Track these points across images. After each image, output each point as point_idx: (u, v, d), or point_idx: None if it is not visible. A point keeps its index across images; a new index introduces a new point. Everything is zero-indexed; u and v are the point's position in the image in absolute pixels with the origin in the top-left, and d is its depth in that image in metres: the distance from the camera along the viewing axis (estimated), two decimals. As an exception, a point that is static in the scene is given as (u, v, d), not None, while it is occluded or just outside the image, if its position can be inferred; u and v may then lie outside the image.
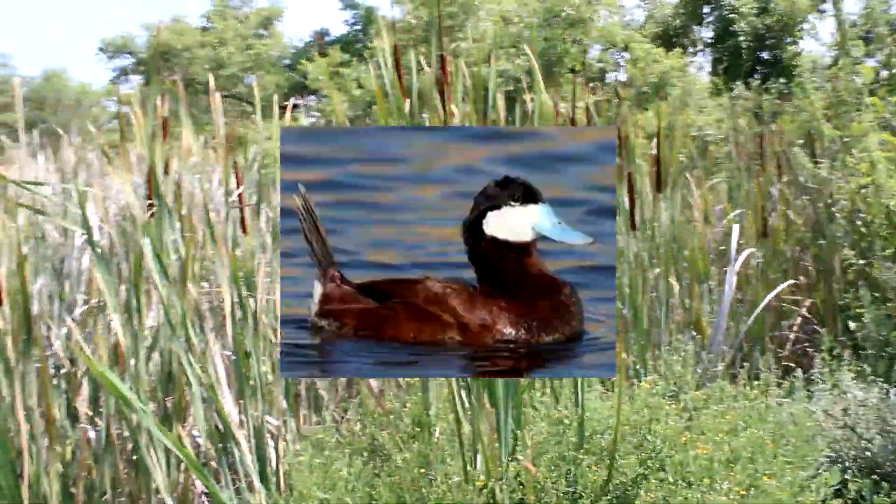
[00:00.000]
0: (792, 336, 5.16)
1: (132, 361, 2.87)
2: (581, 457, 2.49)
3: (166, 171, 3.22)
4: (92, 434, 3.04)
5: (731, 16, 18.33)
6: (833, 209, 5.08)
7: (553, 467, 2.50)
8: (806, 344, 5.42)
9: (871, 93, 4.96)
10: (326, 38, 21.10)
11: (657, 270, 3.79)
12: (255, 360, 2.91)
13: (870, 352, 4.35)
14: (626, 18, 23.19)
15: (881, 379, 3.95)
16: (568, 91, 14.80)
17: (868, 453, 3.53)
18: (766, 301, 3.91)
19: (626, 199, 3.30)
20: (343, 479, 2.57)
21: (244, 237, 3.22)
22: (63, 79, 24.72)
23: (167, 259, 2.83)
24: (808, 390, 4.10)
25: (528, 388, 2.80)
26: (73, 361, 3.27)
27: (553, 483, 2.45)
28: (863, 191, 4.72)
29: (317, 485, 2.55)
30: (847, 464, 3.48)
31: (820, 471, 2.92)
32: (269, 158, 5.84)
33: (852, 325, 4.49)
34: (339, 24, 30.28)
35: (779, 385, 4.04)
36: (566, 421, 2.62)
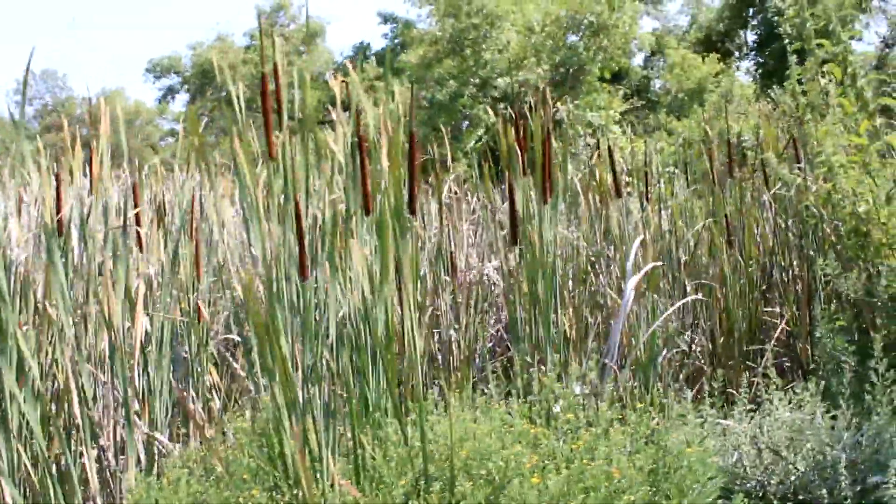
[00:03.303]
0: (769, 351, 4.91)
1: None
2: (405, 482, 2.36)
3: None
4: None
5: (775, 18, 17.80)
6: (806, 216, 4.81)
7: (379, 488, 2.37)
8: (784, 359, 5.14)
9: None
10: (367, 53, 21.29)
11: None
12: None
13: (828, 367, 4.06)
14: (671, 24, 22.81)
15: (840, 397, 3.68)
16: (600, 99, 14.57)
17: (793, 477, 3.28)
18: (663, 317, 3.67)
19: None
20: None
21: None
22: (120, 98, 25.59)
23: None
24: (752, 410, 3.87)
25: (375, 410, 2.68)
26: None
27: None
28: (832, 196, 4.43)
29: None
30: (764, 490, 3.24)
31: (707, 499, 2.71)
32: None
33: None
34: (379, 38, 30.54)
35: (721, 406, 3.81)
36: (407, 445, 2.49)
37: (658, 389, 4.04)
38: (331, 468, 2.41)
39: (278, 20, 24.53)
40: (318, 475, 2.37)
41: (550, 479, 2.35)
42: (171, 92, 22.73)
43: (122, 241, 3.48)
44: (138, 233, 3.48)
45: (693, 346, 4.64)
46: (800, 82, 4.79)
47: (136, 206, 3.51)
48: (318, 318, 2.52)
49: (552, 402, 2.79)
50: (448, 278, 4.09)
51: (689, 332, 4.76)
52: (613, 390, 3.02)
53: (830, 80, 4.54)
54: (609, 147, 4.62)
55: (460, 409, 2.71)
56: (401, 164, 2.62)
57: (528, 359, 3.06)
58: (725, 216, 4.89)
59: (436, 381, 3.32)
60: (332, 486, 2.40)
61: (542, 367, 3.03)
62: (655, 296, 4.35)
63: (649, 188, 5.53)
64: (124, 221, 3.48)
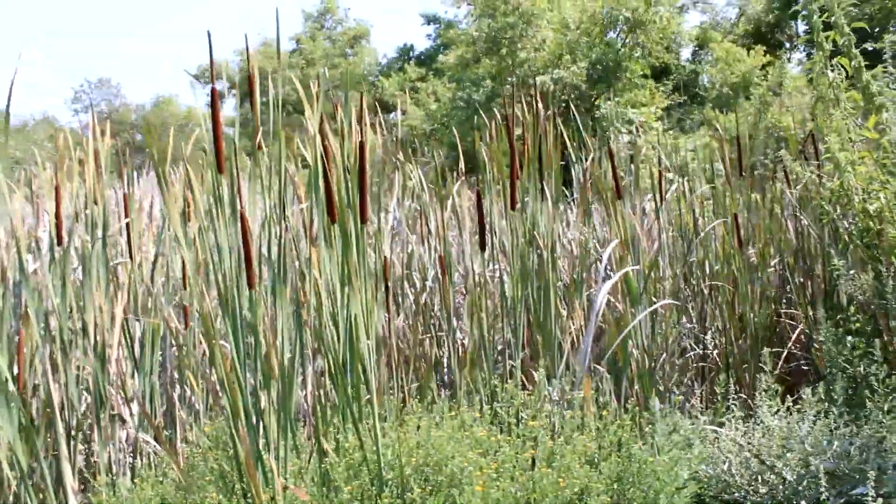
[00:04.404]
0: (785, 353, 4.79)
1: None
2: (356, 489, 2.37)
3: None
4: None
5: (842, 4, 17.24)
6: (819, 215, 4.66)
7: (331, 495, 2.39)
8: (802, 363, 4.99)
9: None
10: (410, 54, 21.39)
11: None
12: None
13: (832, 372, 3.92)
14: (719, 17, 22.31)
15: (832, 404, 3.57)
16: (641, 96, 14.35)
17: (781, 486, 3.18)
18: (635, 322, 3.58)
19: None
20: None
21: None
22: (172, 105, 26.24)
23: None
24: (748, 416, 3.78)
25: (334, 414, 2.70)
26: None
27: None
28: (839, 194, 4.28)
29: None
30: (751, 499, 3.15)
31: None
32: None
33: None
34: (423, 38, 30.58)
35: (722, 412, 3.73)
36: (357, 453, 2.50)
37: (654, 394, 3.98)
38: (279, 472, 2.42)
39: (325, 23, 24.80)
40: (268, 479, 2.40)
41: (497, 487, 2.33)
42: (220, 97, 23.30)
43: (123, 247, 3.58)
44: (129, 241, 3.56)
45: (699, 349, 4.54)
46: (810, 81, 4.64)
47: (126, 215, 3.59)
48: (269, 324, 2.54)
49: (517, 409, 2.76)
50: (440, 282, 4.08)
51: (687, 336, 4.66)
52: (596, 396, 2.98)
53: (839, 73, 4.39)
54: (609, 149, 4.54)
55: (419, 416, 2.71)
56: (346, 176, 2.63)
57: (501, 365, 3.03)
58: (735, 216, 4.77)
59: (403, 388, 3.32)
60: (283, 489, 2.42)
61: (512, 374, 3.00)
62: (655, 298, 4.27)
63: (663, 188, 5.43)
64: (128, 229, 3.58)
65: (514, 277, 3.12)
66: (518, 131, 3.98)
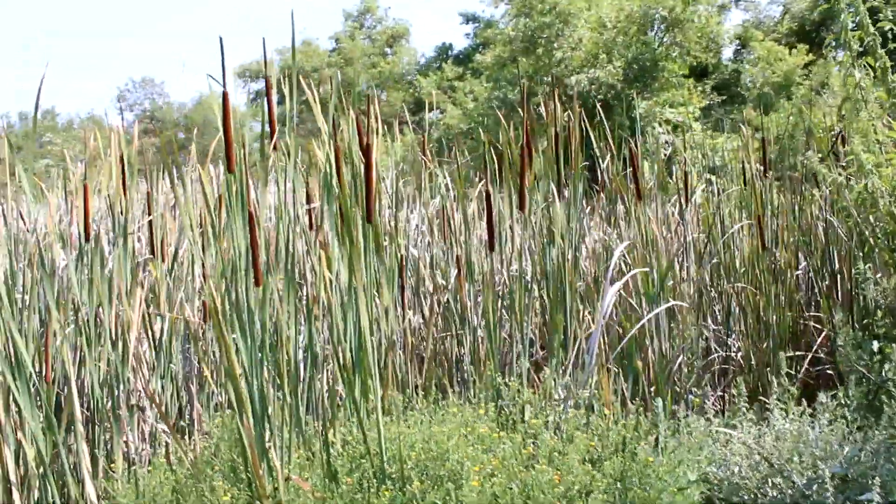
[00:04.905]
0: (810, 356, 4.74)
1: None
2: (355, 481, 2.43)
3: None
4: None
5: (877, 3, 16.87)
6: (845, 218, 4.60)
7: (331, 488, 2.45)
8: (826, 366, 4.94)
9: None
10: (449, 53, 21.44)
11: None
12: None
13: (851, 377, 3.87)
14: (762, 16, 21.94)
15: (862, 410, 3.53)
16: (679, 95, 14.20)
17: (791, 491, 3.16)
18: (641, 323, 3.57)
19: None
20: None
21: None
22: (215, 103, 26.59)
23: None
24: (764, 418, 3.75)
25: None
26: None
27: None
28: (863, 196, 4.21)
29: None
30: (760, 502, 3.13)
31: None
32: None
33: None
34: (461, 38, 30.60)
35: (722, 413, 3.71)
36: (360, 447, 2.56)
37: (669, 395, 3.97)
38: (282, 463, 2.49)
39: (365, 22, 24.98)
40: (272, 470, 2.47)
41: (494, 483, 2.37)
42: (260, 95, 23.60)
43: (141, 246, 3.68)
44: (152, 238, 3.67)
45: (723, 351, 4.52)
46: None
47: (149, 213, 3.70)
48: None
49: (522, 406, 2.80)
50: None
51: (710, 338, 4.63)
52: (595, 395, 3.00)
53: (867, 73, 4.33)
54: (631, 150, 4.53)
55: (423, 411, 2.76)
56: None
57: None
58: (758, 217, 4.73)
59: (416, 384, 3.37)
60: (286, 480, 2.50)
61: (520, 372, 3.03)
62: (673, 300, 4.26)
63: (689, 188, 5.40)
64: (151, 228, 3.69)
65: (521, 278, 3.15)
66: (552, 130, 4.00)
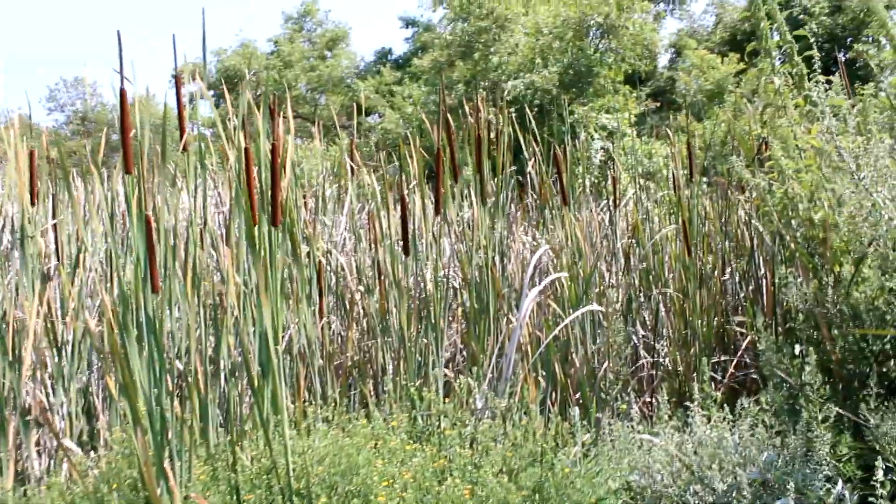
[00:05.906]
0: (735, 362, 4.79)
1: None
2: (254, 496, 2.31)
3: None
4: None
5: (801, 17, 17.36)
6: (766, 223, 4.66)
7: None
8: (752, 371, 4.99)
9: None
10: (388, 57, 21.33)
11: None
12: None
13: (772, 382, 3.90)
14: (696, 25, 22.43)
15: (782, 414, 3.55)
16: (615, 102, 14.35)
17: (711, 498, 3.15)
18: (559, 328, 3.54)
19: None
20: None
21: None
22: (150, 104, 26.06)
23: None
24: (688, 425, 3.75)
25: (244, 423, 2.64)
26: None
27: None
28: (784, 201, 4.27)
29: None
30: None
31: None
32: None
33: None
34: (401, 42, 30.60)
35: (650, 419, 3.69)
36: (267, 462, 2.45)
37: (594, 402, 3.95)
38: (179, 481, 2.37)
39: (305, 25, 24.69)
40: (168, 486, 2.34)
41: (402, 499, 2.29)
42: (195, 97, 23.15)
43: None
44: (56, 242, 3.50)
45: (651, 357, 4.52)
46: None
47: (54, 217, 3.52)
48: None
49: (438, 418, 2.72)
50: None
51: (638, 344, 4.64)
52: (513, 404, 2.93)
53: (785, 81, 4.40)
54: (556, 155, 4.51)
55: (335, 424, 2.66)
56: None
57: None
58: (683, 222, 4.76)
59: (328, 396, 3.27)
60: (185, 499, 2.37)
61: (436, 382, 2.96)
62: (599, 305, 4.24)
63: (617, 194, 5.41)
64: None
65: (438, 284, 3.07)
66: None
